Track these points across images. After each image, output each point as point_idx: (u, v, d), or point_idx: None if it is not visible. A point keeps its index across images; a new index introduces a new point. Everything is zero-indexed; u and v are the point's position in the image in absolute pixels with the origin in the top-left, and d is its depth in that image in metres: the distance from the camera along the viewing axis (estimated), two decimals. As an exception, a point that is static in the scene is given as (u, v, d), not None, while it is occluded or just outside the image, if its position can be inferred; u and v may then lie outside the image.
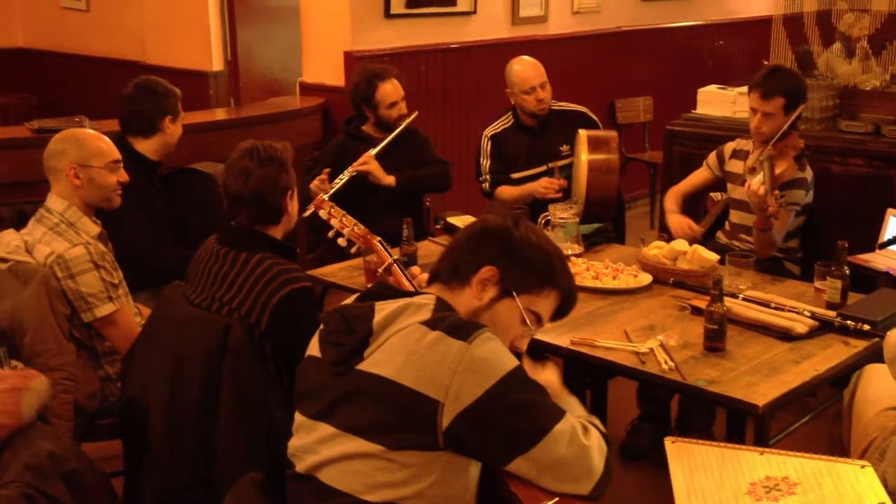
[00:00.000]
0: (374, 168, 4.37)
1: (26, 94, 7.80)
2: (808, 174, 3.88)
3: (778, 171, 3.68)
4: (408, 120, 4.50)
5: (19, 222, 3.32)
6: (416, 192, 4.61)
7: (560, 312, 2.15)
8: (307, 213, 3.89)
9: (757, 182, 3.58)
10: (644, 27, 7.81)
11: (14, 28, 8.42)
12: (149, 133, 3.72)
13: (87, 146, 3.13)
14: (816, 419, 3.12)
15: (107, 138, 3.23)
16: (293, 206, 2.84)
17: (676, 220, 4.10)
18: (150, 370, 2.70)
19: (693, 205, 4.30)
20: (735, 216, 4.05)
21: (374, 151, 4.39)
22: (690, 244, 3.51)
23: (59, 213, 3.09)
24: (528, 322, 2.07)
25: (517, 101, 4.50)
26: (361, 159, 4.35)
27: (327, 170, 4.27)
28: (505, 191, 4.50)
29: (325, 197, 3.76)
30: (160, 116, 3.73)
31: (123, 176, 3.21)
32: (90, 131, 3.30)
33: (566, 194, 4.30)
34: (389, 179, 4.41)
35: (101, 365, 3.12)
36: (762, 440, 2.60)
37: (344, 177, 4.29)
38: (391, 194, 4.42)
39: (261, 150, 2.75)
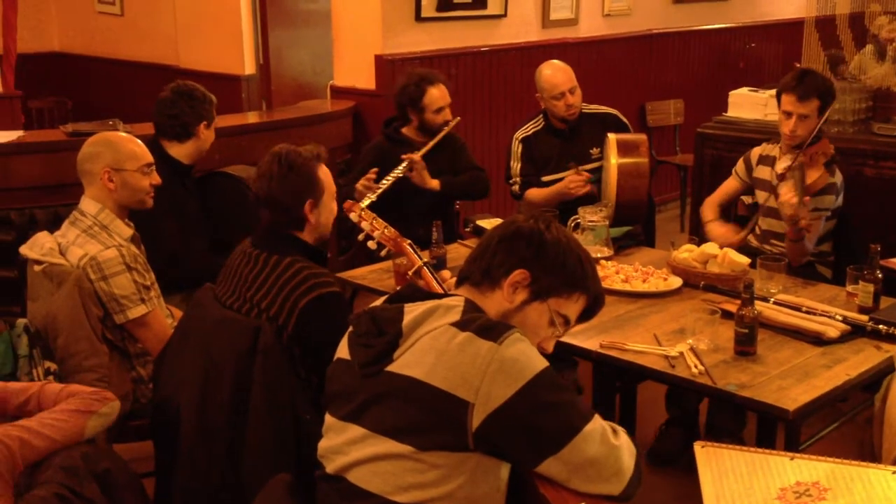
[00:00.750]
0: (423, 167, 4.33)
1: (61, 98, 7.91)
2: (838, 178, 3.86)
3: (810, 180, 3.66)
4: (451, 124, 4.48)
5: (54, 224, 3.36)
6: (457, 197, 4.61)
7: (586, 315, 2.16)
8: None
9: (788, 191, 3.56)
10: (675, 30, 7.78)
11: (49, 32, 8.52)
12: (184, 138, 3.76)
13: (120, 149, 3.16)
14: (847, 424, 3.10)
15: (140, 142, 3.26)
16: (317, 215, 2.78)
17: (719, 231, 4.07)
18: (182, 372, 2.72)
19: (725, 211, 4.27)
20: (765, 223, 4.03)
21: (419, 154, 4.35)
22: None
23: (93, 215, 3.12)
24: (556, 324, 2.08)
25: (547, 106, 4.49)
26: (410, 160, 4.30)
27: (375, 169, 4.21)
28: (535, 193, 4.48)
29: (373, 197, 3.76)
30: (196, 122, 3.76)
31: (156, 179, 3.24)
32: (123, 135, 3.33)
33: (595, 197, 4.28)
34: (434, 183, 4.39)
35: (134, 366, 3.15)
36: (793, 445, 2.58)
37: (390, 178, 4.25)
38: (428, 200, 4.39)
39: (282, 157, 2.75)
